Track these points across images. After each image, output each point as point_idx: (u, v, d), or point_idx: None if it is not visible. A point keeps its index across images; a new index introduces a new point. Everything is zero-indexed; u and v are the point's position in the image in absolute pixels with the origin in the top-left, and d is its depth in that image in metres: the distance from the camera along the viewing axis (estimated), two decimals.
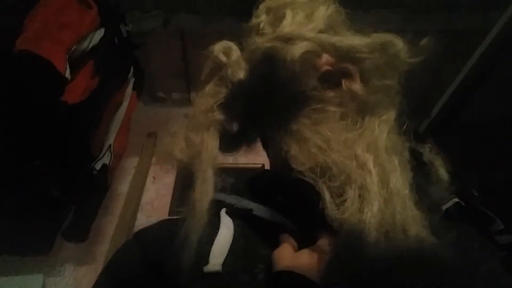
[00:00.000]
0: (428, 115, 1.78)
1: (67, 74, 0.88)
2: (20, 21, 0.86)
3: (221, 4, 1.60)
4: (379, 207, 0.35)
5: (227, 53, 0.50)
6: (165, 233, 0.45)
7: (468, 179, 1.39)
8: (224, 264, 0.40)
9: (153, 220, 1.42)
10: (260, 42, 0.48)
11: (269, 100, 0.46)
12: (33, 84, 0.82)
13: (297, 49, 0.44)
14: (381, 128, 0.42)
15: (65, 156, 0.97)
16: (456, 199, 1.30)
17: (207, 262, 0.40)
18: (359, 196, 0.36)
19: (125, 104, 1.30)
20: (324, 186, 0.38)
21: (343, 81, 0.46)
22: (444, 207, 1.36)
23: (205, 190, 0.43)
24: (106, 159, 1.14)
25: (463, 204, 1.29)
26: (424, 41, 0.50)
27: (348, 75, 0.47)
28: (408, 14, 1.62)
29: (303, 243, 0.39)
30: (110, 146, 1.18)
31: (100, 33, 1.10)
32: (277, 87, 0.45)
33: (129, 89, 1.34)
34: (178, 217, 0.45)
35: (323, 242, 0.39)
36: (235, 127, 0.49)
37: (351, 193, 0.36)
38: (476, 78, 1.59)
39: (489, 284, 0.40)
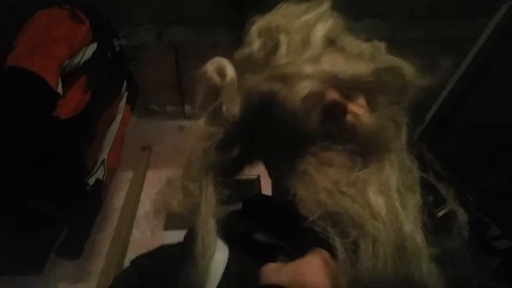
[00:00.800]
0: (421, 122, 1.79)
1: (59, 89, 0.87)
2: (12, 38, 0.85)
3: (212, 17, 1.61)
4: (392, 259, 0.34)
5: (221, 73, 0.47)
6: (162, 260, 0.44)
7: (463, 184, 1.40)
8: (218, 286, 0.39)
9: (148, 235, 1.41)
10: (255, 83, 0.43)
11: (269, 142, 0.44)
12: (25, 99, 0.82)
13: (297, 93, 0.40)
14: (392, 163, 0.40)
15: (58, 172, 0.96)
16: (451, 205, 1.31)
17: (203, 284, 0.39)
18: (373, 249, 0.34)
19: (118, 118, 1.30)
20: (337, 239, 0.35)
21: (348, 108, 0.42)
22: (440, 214, 1.36)
23: (208, 243, 0.41)
24: (99, 174, 1.13)
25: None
26: (440, 64, 0.48)
27: (350, 97, 0.44)
28: (398, 23, 1.64)
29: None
30: (103, 160, 1.17)
31: (92, 48, 1.10)
32: (277, 130, 0.42)
33: (122, 103, 1.34)
34: (175, 243, 0.45)
35: (313, 255, 0.37)
36: (235, 152, 0.46)
37: (364, 247, 0.34)
38: (467, 85, 1.61)
39: None
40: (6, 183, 0.89)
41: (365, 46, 0.47)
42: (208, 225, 0.42)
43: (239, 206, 0.51)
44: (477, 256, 0.44)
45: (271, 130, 0.43)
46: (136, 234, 1.42)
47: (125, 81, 1.38)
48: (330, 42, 0.46)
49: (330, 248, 0.35)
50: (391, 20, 1.64)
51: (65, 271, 1.27)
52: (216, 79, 0.46)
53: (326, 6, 0.47)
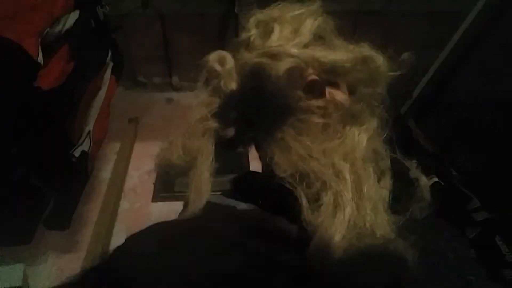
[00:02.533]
0: (410, 96, 1.80)
1: (40, 59, 0.84)
2: None
3: None
4: (350, 211, 0.38)
5: (222, 62, 0.54)
6: (154, 236, 0.45)
7: (447, 159, 1.43)
8: None
9: (137, 206, 1.42)
10: (249, 57, 0.51)
11: (257, 111, 0.50)
12: (3, 69, 0.79)
13: (282, 66, 0.47)
14: (361, 137, 0.46)
15: (42, 143, 0.94)
16: (435, 179, 1.34)
17: None
18: (334, 201, 0.39)
19: (104, 89, 1.27)
20: (302, 192, 0.40)
21: (327, 91, 0.50)
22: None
23: (201, 190, 0.46)
24: (85, 146, 1.11)
25: (442, 183, 1.33)
26: (404, 56, 0.54)
27: (333, 84, 0.51)
28: None
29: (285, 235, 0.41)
30: (89, 132, 1.15)
31: (74, 15, 1.06)
32: (264, 99, 0.48)
33: (107, 74, 1.31)
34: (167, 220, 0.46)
35: None
36: (230, 132, 0.52)
37: (326, 199, 0.39)
38: (457, 60, 1.61)
39: (456, 269, 0.42)
40: None
41: (352, 46, 0.54)
42: (202, 176, 0.48)
43: (229, 177, 0.54)
44: (454, 235, 0.47)
45: (258, 100, 0.49)
46: (124, 205, 1.42)
47: (110, 51, 1.34)
48: (319, 38, 0.54)
49: (296, 201, 0.40)
50: None
51: (54, 241, 1.28)
52: (218, 67, 0.54)
53: (317, 5, 0.56)
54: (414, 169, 0.48)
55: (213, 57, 0.56)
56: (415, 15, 1.68)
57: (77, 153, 1.07)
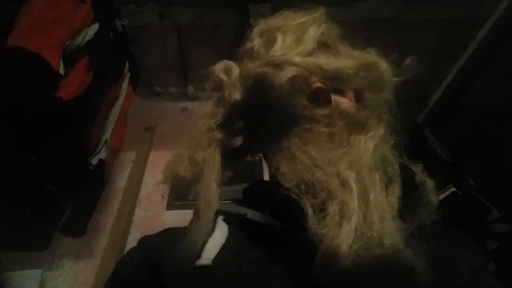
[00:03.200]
0: (426, 105, 1.77)
1: (61, 70, 0.87)
2: (12, 18, 0.85)
3: None
4: (357, 221, 0.38)
5: (227, 72, 0.54)
6: (166, 240, 0.47)
7: (465, 168, 1.40)
8: (214, 259, 0.42)
9: (151, 214, 1.43)
10: (252, 67, 0.51)
11: (262, 121, 0.50)
12: (27, 80, 0.82)
13: (284, 75, 0.47)
14: (367, 145, 0.45)
15: (61, 152, 0.97)
16: (453, 189, 1.31)
17: (199, 258, 0.42)
18: (339, 211, 0.38)
19: (121, 99, 1.30)
20: (308, 202, 0.40)
21: (332, 98, 0.49)
22: (441, 197, 1.36)
23: (210, 201, 0.46)
24: (102, 154, 1.14)
25: (459, 193, 1.30)
26: (407, 61, 0.55)
27: (339, 91, 0.51)
28: (405, 4, 1.61)
29: (292, 244, 0.41)
30: (106, 141, 1.18)
31: (94, 28, 1.09)
32: (268, 109, 0.48)
33: (125, 84, 1.34)
34: (181, 226, 0.48)
35: None
36: (238, 141, 0.52)
37: (332, 209, 0.39)
38: (475, 68, 1.58)
39: (471, 281, 0.41)
40: (10, 162, 0.91)
41: (357, 53, 0.54)
42: (210, 187, 0.48)
43: (241, 186, 0.55)
44: (470, 246, 0.46)
45: (263, 109, 0.49)
46: (138, 213, 1.44)
47: (127, 62, 1.37)
48: (324, 45, 0.54)
49: (302, 211, 0.40)
50: (398, 1, 1.61)
51: (70, 248, 1.30)
52: (223, 77, 0.54)
53: (320, 12, 0.56)
54: (419, 173, 0.47)
55: (219, 67, 0.55)
56: (429, 23, 1.67)
57: (94, 161, 1.10)
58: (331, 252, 0.36)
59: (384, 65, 0.52)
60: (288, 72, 0.47)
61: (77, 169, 1.05)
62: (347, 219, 0.38)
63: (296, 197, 0.41)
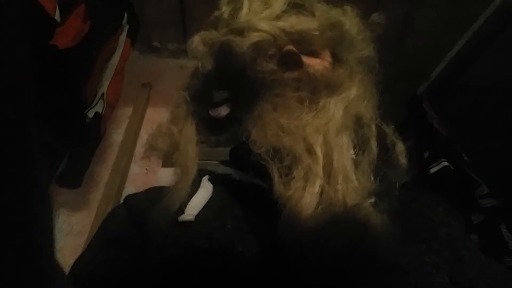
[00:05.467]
0: (427, 77, 1.75)
1: (57, 16, 0.84)
2: None
3: None
4: (320, 184, 0.39)
5: (206, 43, 0.54)
6: (150, 196, 0.48)
7: (460, 143, 1.41)
8: (197, 216, 0.42)
9: (147, 170, 1.44)
10: (216, 36, 0.52)
11: (232, 89, 0.51)
12: (20, 25, 0.79)
13: (246, 41, 0.47)
14: (337, 107, 0.45)
15: (56, 102, 0.96)
16: (446, 163, 1.33)
17: (182, 213, 0.43)
18: (304, 175, 0.40)
19: (118, 51, 1.27)
20: (274, 167, 0.41)
21: (304, 61, 0.49)
22: (433, 170, 1.39)
23: (186, 169, 0.47)
24: (99, 108, 1.13)
25: (452, 167, 1.32)
26: (373, 17, 0.54)
27: (313, 53, 0.51)
28: None
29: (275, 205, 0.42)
30: (103, 94, 1.16)
31: None
32: (235, 76, 0.49)
33: (123, 36, 1.30)
34: (167, 186, 0.48)
35: None
36: (224, 111, 0.52)
37: (297, 173, 0.40)
38: (479, 43, 1.55)
39: (449, 244, 0.42)
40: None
41: (334, 11, 0.53)
42: (187, 157, 0.49)
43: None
44: (449, 210, 0.47)
45: (231, 79, 0.49)
46: (134, 168, 1.45)
47: (126, 14, 1.32)
48: (296, 6, 0.52)
49: (268, 175, 0.41)
50: None
51: (65, 199, 1.32)
52: (202, 48, 0.54)
53: None
54: (391, 135, 0.48)
55: (197, 38, 0.55)
56: None
57: (90, 114, 1.09)
58: (295, 214, 0.37)
59: (348, 23, 0.52)
60: (250, 38, 0.47)
61: (73, 121, 1.05)
62: (311, 182, 0.39)
63: (264, 163, 0.42)
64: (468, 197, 1.24)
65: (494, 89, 1.48)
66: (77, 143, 1.11)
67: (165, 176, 1.41)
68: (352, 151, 0.44)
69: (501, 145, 1.36)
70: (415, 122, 1.56)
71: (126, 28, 1.33)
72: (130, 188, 1.38)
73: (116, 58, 1.24)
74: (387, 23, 0.54)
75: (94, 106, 1.11)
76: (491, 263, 0.44)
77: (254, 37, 0.47)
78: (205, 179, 0.48)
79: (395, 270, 0.37)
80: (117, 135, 1.53)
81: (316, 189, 0.39)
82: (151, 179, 1.41)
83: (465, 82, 1.63)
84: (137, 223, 0.46)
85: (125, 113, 1.60)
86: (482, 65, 1.55)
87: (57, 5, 0.85)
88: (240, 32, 0.49)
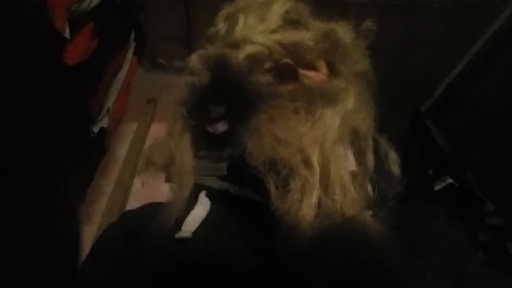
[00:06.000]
0: (431, 95, 1.76)
1: (67, 34, 0.86)
2: None
3: None
4: (318, 195, 0.38)
5: (202, 60, 0.54)
6: (146, 213, 0.48)
7: (464, 160, 1.40)
8: (194, 232, 0.42)
9: (150, 185, 1.45)
10: (212, 50, 0.52)
11: (228, 103, 0.50)
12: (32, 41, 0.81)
13: (241, 53, 0.47)
14: (334, 118, 0.45)
15: (63, 116, 0.97)
16: (450, 180, 1.32)
17: (179, 230, 0.42)
18: (301, 187, 0.39)
19: (125, 68, 1.29)
20: (271, 180, 0.41)
21: (300, 73, 0.49)
22: (437, 187, 1.38)
23: (183, 185, 0.47)
24: (104, 122, 1.14)
25: (456, 184, 1.31)
26: (365, 24, 0.56)
27: (310, 66, 0.51)
28: None
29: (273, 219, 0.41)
30: (108, 109, 1.18)
31: None
32: (231, 89, 0.48)
33: (129, 53, 1.32)
34: (162, 202, 0.48)
35: None
36: (221, 127, 0.51)
37: (294, 185, 0.40)
38: (483, 61, 1.56)
39: (450, 256, 0.41)
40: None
41: (329, 26, 0.53)
42: (182, 171, 0.49)
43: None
44: (451, 221, 0.46)
45: (226, 90, 0.49)
46: (137, 183, 1.45)
47: (133, 32, 1.35)
48: (292, 21, 0.53)
49: (265, 188, 0.41)
50: None
51: None
52: (198, 65, 0.54)
53: None
54: (384, 144, 0.47)
55: (194, 57, 0.55)
56: (443, 11, 1.63)
57: (96, 129, 1.10)
58: (292, 227, 0.37)
59: (340, 31, 0.52)
60: (245, 50, 0.47)
61: (78, 135, 1.06)
62: (308, 194, 0.39)
63: (260, 175, 0.41)
64: (474, 214, 1.23)
65: (499, 105, 1.48)
66: (82, 157, 1.12)
67: (168, 191, 1.41)
68: (349, 162, 0.44)
69: (507, 162, 1.35)
70: (419, 139, 1.56)
71: (133, 45, 1.35)
72: (133, 204, 1.38)
73: (122, 74, 1.26)
74: (390, 37, 0.55)
75: (99, 121, 1.12)
76: (495, 276, 0.43)
77: (249, 49, 0.48)
78: (202, 194, 0.47)
79: (396, 283, 0.37)
80: (121, 150, 1.54)
81: (314, 200, 0.38)
82: (154, 194, 1.41)
83: (469, 98, 1.63)
84: (133, 240, 0.46)
85: (130, 128, 1.62)
86: (486, 81, 1.55)
87: (67, 22, 0.87)
88: (236, 45, 0.49)
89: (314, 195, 0.38)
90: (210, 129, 0.52)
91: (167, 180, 1.57)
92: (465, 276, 0.40)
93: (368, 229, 0.37)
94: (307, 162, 0.41)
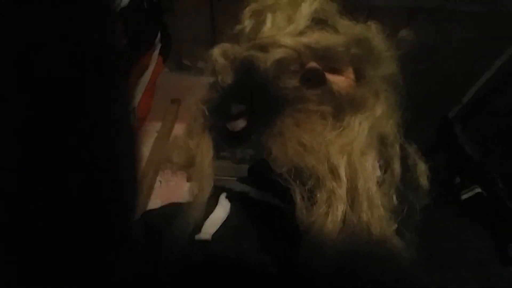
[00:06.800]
0: (459, 100, 1.71)
1: None
2: None
3: None
4: (344, 210, 0.37)
5: (225, 55, 0.53)
6: (168, 213, 0.48)
7: (494, 168, 1.35)
8: (214, 235, 0.42)
9: (172, 184, 1.46)
10: (239, 51, 0.51)
11: (251, 103, 0.49)
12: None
13: (270, 57, 0.46)
14: (362, 126, 0.43)
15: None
16: (478, 189, 1.27)
17: (199, 232, 0.42)
18: (327, 200, 0.37)
19: (150, 68, 1.31)
20: (297, 190, 0.39)
21: (327, 78, 0.47)
22: (464, 197, 1.33)
23: (203, 187, 0.47)
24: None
25: (485, 194, 1.26)
26: (402, 33, 0.51)
27: (336, 70, 0.49)
28: None
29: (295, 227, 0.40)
30: (134, 108, 1.20)
31: None
32: (256, 91, 0.47)
33: (155, 54, 1.35)
34: (184, 201, 0.48)
35: None
36: (240, 124, 0.50)
37: (319, 197, 0.38)
38: None
39: (476, 270, 0.40)
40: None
41: (358, 28, 0.52)
42: (203, 173, 0.48)
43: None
44: (479, 234, 0.45)
45: (252, 93, 0.48)
46: (160, 182, 1.48)
47: (159, 32, 1.38)
48: (320, 21, 0.51)
49: (289, 196, 0.39)
50: None
51: None
52: (221, 60, 0.53)
53: None
54: (413, 155, 0.46)
55: (217, 51, 0.54)
56: (473, 16, 1.58)
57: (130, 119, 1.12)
58: (316, 241, 0.36)
59: (375, 40, 0.50)
60: (274, 55, 0.46)
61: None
62: (334, 208, 0.37)
63: (286, 184, 0.40)
64: (503, 226, 1.17)
65: None
66: None
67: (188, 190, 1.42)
68: (377, 174, 0.42)
69: None
70: (446, 146, 1.52)
71: (159, 46, 1.38)
72: (155, 201, 1.40)
73: (148, 74, 1.29)
74: (417, 41, 0.53)
75: None
76: None
77: (278, 53, 0.46)
78: (222, 196, 0.47)
79: None
80: (144, 149, 1.56)
81: (340, 215, 0.37)
82: (176, 193, 1.43)
83: (500, 105, 1.57)
84: (153, 239, 0.46)
85: (154, 127, 1.65)
86: None
87: None
88: (264, 47, 0.48)
89: (340, 209, 0.37)
90: (229, 126, 0.51)
91: (189, 179, 1.59)
92: None
93: (393, 251, 0.35)
94: (333, 173, 0.40)
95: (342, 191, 0.38)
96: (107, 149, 0.21)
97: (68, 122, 0.18)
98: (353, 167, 0.40)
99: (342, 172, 0.39)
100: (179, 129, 1.65)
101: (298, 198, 0.39)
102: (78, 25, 0.19)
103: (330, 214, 0.37)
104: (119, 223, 0.22)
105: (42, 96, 0.17)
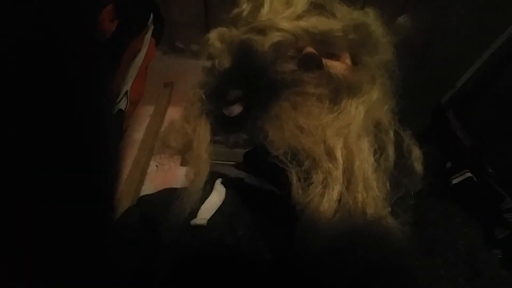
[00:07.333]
0: (453, 86, 1.71)
1: None
2: None
3: None
4: (340, 190, 0.37)
5: (222, 39, 0.53)
6: (163, 198, 0.48)
7: (485, 154, 1.37)
8: (209, 220, 0.42)
9: (166, 168, 1.46)
10: (236, 34, 0.50)
11: (248, 88, 0.49)
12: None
13: (267, 41, 0.46)
14: (358, 110, 0.44)
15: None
16: (469, 174, 1.29)
17: (195, 217, 0.42)
18: (323, 180, 0.38)
19: (143, 51, 1.29)
20: (293, 171, 0.40)
21: (324, 63, 0.47)
22: (455, 181, 1.35)
23: (198, 170, 0.47)
24: (122, 105, 1.15)
25: (475, 179, 1.28)
26: (399, 20, 0.53)
27: (333, 55, 0.49)
28: None
29: (291, 210, 0.40)
30: (126, 92, 1.19)
31: None
32: (254, 76, 0.47)
33: (148, 36, 1.32)
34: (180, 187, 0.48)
35: None
36: (236, 109, 0.50)
37: (315, 178, 0.39)
38: (508, 52, 1.50)
39: (466, 257, 0.40)
40: None
41: (356, 13, 0.52)
42: (199, 158, 0.48)
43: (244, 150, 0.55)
44: (468, 221, 0.45)
45: (250, 77, 0.48)
46: (153, 166, 1.47)
47: (151, 14, 1.35)
48: (317, 6, 0.51)
49: (287, 178, 0.39)
50: None
51: None
52: (218, 44, 0.53)
53: None
54: (408, 140, 0.46)
55: (213, 35, 0.54)
56: (467, 2, 1.57)
57: (114, 111, 1.11)
58: (312, 222, 0.36)
59: (373, 26, 0.50)
60: (271, 38, 0.46)
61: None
62: (330, 188, 0.37)
63: (282, 166, 0.40)
64: (492, 210, 1.20)
65: None
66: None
67: (183, 174, 1.42)
68: (372, 157, 0.42)
69: None
70: (438, 131, 1.53)
71: (151, 28, 1.35)
72: (149, 185, 1.40)
73: (140, 57, 1.27)
74: (412, 27, 0.53)
75: (117, 103, 1.13)
76: (510, 278, 0.42)
77: (276, 36, 0.46)
78: (218, 182, 0.47)
79: (411, 284, 0.36)
80: (138, 133, 1.56)
81: (335, 195, 0.37)
82: (170, 177, 1.43)
83: (492, 91, 1.58)
84: (150, 225, 0.46)
85: (147, 111, 1.63)
86: (511, 73, 1.50)
87: None
88: (261, 31, 0.48)
89: (336, 190, 0.38)
90: (225, 111, 0.51)
91: (183, 163, 1.59)
92: (481, 278, 0.40)
93: (390, 231, 0.36)
94: (330, 154, 0.40)
95: (338, 172, 0.39)
96: (87, 145, 0.20)
97: (45, 116, 0.18)
98: (349, 149, 0.40)
99: (338, 154, 0.40)
100: (172, 112, 1.64)
101: (294, 179, 0.39)
102: (60, 18, 0.18)
103: (326, 194, 0.37)
104: (98, 218, 0.22)
105: (18, 91, 0.17)
